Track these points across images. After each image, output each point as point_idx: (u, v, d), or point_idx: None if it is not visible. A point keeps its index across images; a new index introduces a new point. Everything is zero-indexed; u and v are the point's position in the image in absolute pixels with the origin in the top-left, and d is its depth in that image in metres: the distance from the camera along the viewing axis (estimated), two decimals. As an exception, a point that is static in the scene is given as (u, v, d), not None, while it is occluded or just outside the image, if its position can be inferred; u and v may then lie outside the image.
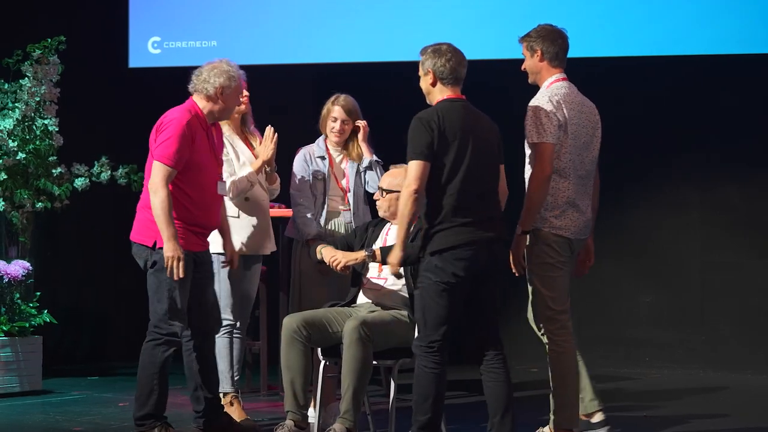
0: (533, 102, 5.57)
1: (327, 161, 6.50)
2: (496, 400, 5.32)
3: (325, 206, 6.48)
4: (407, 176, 5.22)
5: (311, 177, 6.47)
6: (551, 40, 5.66)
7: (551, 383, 5.58)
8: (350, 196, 6.50)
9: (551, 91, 5.59)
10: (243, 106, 6.46)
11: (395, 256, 5.28)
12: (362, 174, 6.51)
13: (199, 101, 5.74)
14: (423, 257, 5.25)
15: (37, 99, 7.57)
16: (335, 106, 6.48)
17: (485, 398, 5.35)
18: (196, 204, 5.69)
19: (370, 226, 6.11)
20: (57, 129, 7.63)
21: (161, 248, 5.56)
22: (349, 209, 6.50)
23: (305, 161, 6.49)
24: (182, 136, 5.57)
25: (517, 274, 5.59)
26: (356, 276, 6.02)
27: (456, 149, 5.22)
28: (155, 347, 5.64)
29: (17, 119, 7.54)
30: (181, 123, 5.59)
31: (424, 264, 5.24)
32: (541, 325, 5.61)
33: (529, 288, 5.62)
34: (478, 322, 5.33)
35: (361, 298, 5.95)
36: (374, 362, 5.63)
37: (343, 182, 6.51)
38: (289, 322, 5.75)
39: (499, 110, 5.67)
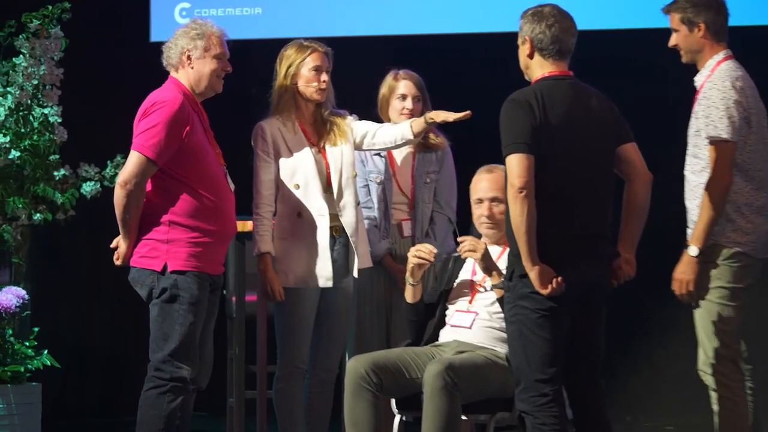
0: (712, 87, 5.23)
1: (386, 158, 6.25)
2: None
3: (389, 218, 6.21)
4: (508, 173, 4.78)
5: (367, 180, 6.22)
6: (716, 10, 5.33)
7: None
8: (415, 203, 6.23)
9: (728, 74, 5.25)
10: (315, 94, 5.82)
11: (534, 271, 4.75)
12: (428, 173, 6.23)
13: (177, 76, 5.34)
14: (512, 281, 4.85)
15: (35, 82, 7.02)
16: (399, 81, 6.21)
17: None
18: (212, 205, 5.22)
19: (451, 261, 5.69)
20: (60, 120, 7.07)
21: (173, 272, 5.17)
22: (410, 219, 6.21)
23: (360, 160, 6.18)
24: (172, 124, 5.11)
25: (693, 305, 5.27)
26: (434, 307, 5.62)
27: (560, 142, 4.81)
28: (159, 396, 5.24)
29: (10, 108, 7.01)
30: (173, 107, 5.14)
31: (515, 291, 4.84)
32: (712, 367, 5.30)
33: (697, 321, 5.28)
34: (576, 367, 4.91)
35: (445, 336, 5.58)
36: (463, 417, 5.31)
37: (407, 185, 6.25)
38: (356, 366, 5.43)
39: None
